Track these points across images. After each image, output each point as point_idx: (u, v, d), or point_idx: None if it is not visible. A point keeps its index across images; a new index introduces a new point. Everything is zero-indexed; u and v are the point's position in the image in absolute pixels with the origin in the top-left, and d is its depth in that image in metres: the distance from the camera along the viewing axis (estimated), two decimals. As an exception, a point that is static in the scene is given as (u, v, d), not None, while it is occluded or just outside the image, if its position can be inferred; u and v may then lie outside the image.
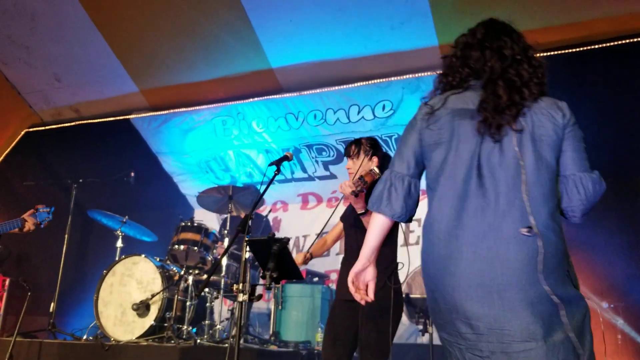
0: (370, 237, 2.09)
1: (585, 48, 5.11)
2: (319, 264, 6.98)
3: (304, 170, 7.21)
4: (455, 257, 1.83)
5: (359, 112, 6.40)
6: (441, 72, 2.14)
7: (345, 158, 3.56)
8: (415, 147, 2.08)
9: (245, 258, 2.90)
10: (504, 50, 2.00)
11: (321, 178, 7.23)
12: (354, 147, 3.46)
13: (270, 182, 3.14)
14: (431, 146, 2.03)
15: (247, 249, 3.01)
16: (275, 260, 2.77)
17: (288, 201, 7.65)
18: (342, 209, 3.75)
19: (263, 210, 6.89)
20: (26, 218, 3.79)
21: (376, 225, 2.10)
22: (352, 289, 2.12)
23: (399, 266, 3.42)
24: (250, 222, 2.85)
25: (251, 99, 6.67)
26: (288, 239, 2.83)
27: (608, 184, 1.99)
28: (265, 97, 6.61)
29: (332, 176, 7.15)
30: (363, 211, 3.05)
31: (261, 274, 2.75)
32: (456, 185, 1.92)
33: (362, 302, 2.12)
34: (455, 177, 1.93)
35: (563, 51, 5.18)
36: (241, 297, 2.66)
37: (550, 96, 2.05)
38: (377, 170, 3.07)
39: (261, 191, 3.25)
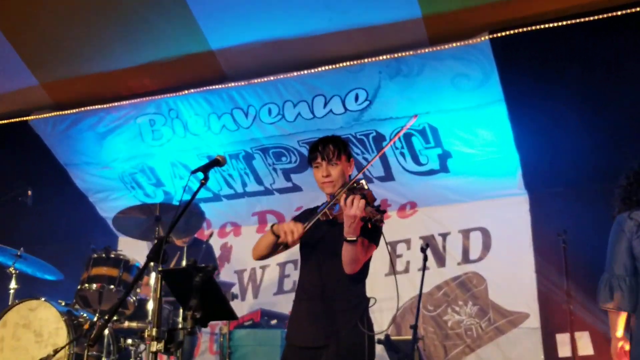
0: (616, 330, 3.57)
1: (607, 15, 5.21)
2: (283, 301, 6.94)
3: (259, 181, 7.17)
4: None
5: (325, 105, 6.39)
6: (625, 195, 3.63)
7: (310, 165, 3.55)
8: (627, 252, 3.48)
9: (161, 295, 2.85)
10: None
11: (282, 191, 7.20)
12: (333, 147, 3.49)
13: (194, 195, 3.12)
14: None
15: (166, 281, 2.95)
16: (199, 295, 2.72)
17: (240, 222, 7.60)
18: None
19: (207, 235, 6.81)
20: None
21: (618, 320, 3.55)
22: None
23: (371, 302, 3.46)
24: (165, 246, 2.79)
25: (186, 91, 6.64)
26: (215, 267, 2.79)
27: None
28: (205, 89, 6.58)
29: (296, 188, 7.13)
30: (355, 238, 3.16)
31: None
32: None
33: None
34: None
35: (582, 19, 5.27)
36: (155, 346, 2.60)
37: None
38: (365, 184, 3.21)
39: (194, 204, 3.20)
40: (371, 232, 3.31)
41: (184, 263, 5.65)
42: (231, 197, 7.37)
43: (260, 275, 7.37)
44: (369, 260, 3.49)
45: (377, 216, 3.05)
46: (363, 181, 3.23)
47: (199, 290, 2.75)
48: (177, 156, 7.16)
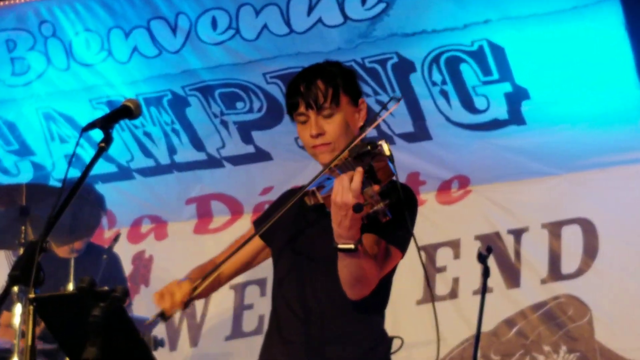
0: None
1: None
2: (241, 350, 7.00)
3: (198, 144, 7.25)
4: None
5: (310, 11, 6.40)
6: None
7: (291, 118, 3.60)
8: None
9: (34, 341, 2.87)
10: None
11: (237, 160, 7.28)
12: (324, 84, 3.49)
13: (88, 169, 3.11)
14: None
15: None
16: (100, 340, 2.73)
17: (166, 216, 7.71)
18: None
19: (109, 239, 6.83)
20: None
21: None
22: None
23: (394, 345, 3.53)
24: (40, 258, 2.80)
25: (70, -9, 6.69)
26: (125, 291, 2.80)
27: None
28: (101, -15, 6.64)
29: (262, 155, 7.21)
30: (352, 246, 3.09)
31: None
32: None
33: None
34: None
35: None
36: None
37: None
38: (386, 147, 3.14)
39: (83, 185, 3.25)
40: (391, 227, 3.28)
41: (71, 286, 5.68)
42: (150, 172, 7.44)
43: (202, 308, 7.41)
44: (391, 275, 3.53)
45: (377, 206, 2.98)
46: (383, 142, 3.16)
47: (99, 331, 2.75)
48: (54, 103, 7.22)
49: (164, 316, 3.36)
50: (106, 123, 3.17)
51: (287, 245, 3.57)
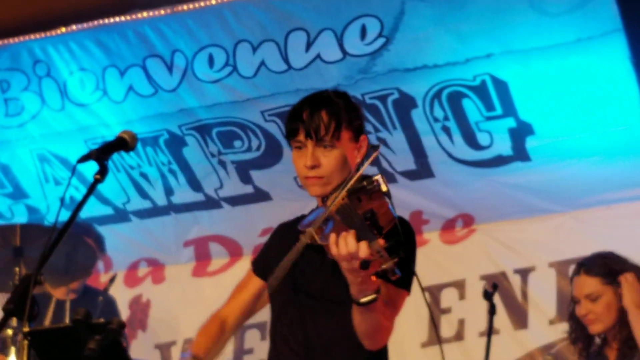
0: None
1: None
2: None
3: (195, 185, 7.25)
4: None
5: (309, 47, 6.43)
6: None
7: (289, 144, 3.57)
8: None
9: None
10: None
11: (235, 201, 7.27)
12: (328, 115, 3.44)
13: (82, 203, 3.13)
14: None
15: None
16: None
17: (163, 259, 7.68)
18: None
19: (105, 282, 6.83)
20: None
21: None
22: None
23: None
24: (35, 292, 2.82)
25: (64, 29, 6.68)
26: (122, 323, 2.81)
27: None
28: (97, 23, 6.62)
29: (261, 195, 7.21)
30: (374, 296, 3.08)
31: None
32: None
33: None
34: None
35: None
36: None
37: None
38: (382, 183, 3.11)
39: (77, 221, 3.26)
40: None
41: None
42: (147, 214, 7.42)
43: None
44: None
45: (386, 264, 2.93)
46: (379, 178, 3.12)
47: (95, 364, 2.76)
48: (49, 144, 7.22)
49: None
50: (101, 154, 3.17)
51: (284, 283, 3.46)
